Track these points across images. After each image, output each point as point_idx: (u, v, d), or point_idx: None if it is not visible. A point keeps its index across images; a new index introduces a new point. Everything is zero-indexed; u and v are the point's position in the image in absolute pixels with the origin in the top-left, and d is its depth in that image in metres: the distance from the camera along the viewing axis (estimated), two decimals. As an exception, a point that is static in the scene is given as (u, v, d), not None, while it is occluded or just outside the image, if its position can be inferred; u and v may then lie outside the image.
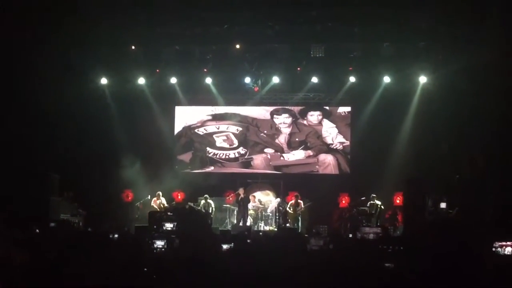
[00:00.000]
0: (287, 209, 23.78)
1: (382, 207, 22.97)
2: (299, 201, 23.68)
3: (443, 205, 21.00)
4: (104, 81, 25.14)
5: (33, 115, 22.48)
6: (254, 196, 24.93)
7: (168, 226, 18.27)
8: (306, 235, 19.65)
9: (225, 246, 10.68)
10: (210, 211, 23.66)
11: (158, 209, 23.26)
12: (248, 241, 10.90)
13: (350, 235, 20.78)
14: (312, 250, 8.22)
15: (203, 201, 23.83)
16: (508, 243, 13.83)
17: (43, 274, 4.54)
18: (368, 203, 23.04)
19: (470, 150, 22.46)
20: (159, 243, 9.94)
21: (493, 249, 13.48)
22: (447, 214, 20.32)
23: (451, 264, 3.46)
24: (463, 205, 20.11)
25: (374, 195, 22.98)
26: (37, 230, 13.99)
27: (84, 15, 21.45)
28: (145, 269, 5.61)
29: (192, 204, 23.29)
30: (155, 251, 9.74)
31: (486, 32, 20.33)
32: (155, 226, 19.38)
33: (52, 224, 17.19)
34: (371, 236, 18.90)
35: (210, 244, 4.32)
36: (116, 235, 11.31)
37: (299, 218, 23.73)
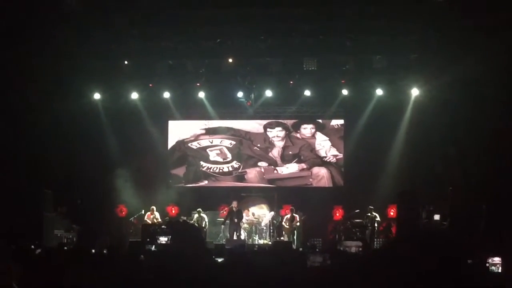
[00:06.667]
0: (283, 223, 23.75)
1: (378, 219, 22.96)
2: (294, 214, 23.62)
3: (436, 217, 21.04)
4: (97, 96, 25.05)
5: (26, 131, 22.37)
6: (248, 210, 24.86)
7: (162, 240, 18.13)
8: (300, 249, 19.65)
9: (219, 260, 10.67)
10: (204, 225, 23.54)
11: (152, 224, 23.18)
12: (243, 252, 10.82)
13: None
14: (313, 267, 8.18)
15: (196, 215, 23.74)
16: (498, 259, 13.59)
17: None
18: (365, 215, 23.03)
19: (463, 162, 22.50)
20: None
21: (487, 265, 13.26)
22: (441, 226, 20.35)
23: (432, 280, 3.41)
24: (455, 216, 20.14)
25: (372, 207, 22.97)
26: (32, 246, 13.94)
27: (76, 29, 21.47)
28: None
29: (185, 218, 23.19)
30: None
31: (478, 44, 20.42)
32: (148, 239, 19.23)
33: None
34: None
35: (204, 259, 4.30)
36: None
37: (295, 232, 23.66)
